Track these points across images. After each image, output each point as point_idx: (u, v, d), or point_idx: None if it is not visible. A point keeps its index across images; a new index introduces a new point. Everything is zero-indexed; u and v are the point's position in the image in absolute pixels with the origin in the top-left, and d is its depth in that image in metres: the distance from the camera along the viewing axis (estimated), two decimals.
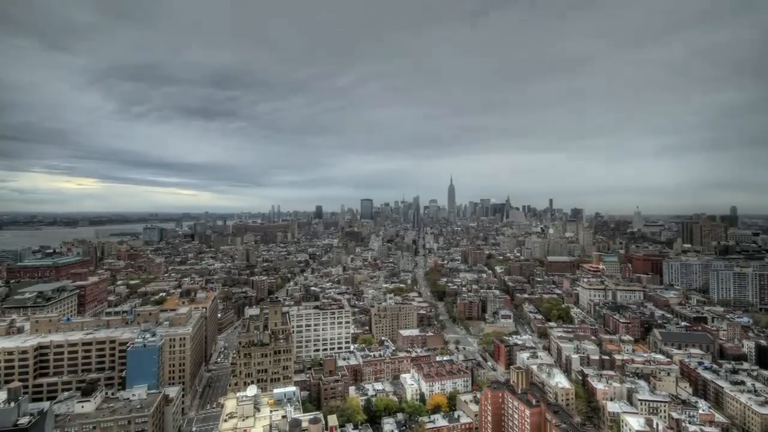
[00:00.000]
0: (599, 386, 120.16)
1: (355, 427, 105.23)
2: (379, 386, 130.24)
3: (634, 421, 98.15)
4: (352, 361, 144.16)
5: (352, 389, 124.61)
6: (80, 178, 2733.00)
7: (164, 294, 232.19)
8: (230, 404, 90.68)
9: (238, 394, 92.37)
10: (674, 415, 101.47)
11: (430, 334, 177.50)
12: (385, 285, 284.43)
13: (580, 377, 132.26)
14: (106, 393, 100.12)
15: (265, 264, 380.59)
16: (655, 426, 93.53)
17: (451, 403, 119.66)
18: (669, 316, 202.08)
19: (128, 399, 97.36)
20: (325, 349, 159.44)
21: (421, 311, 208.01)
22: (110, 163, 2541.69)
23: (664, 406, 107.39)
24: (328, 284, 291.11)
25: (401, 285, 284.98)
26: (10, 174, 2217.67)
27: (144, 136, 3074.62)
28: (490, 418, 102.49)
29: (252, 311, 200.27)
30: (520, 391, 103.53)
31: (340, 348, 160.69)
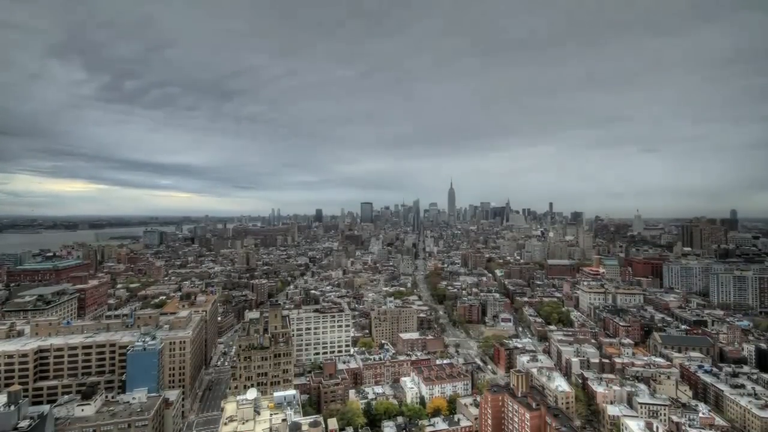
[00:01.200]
0: (599, 389, 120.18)
1: (355, 430, 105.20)
2: (379, 389, 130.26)
3: (635, 425, 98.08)
4: (352, 365, 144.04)
5: (352, 392, 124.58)
6: (70, 180, 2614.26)
7: (164, 297, 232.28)
8: (230, 407, 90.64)
9: (238, 398, 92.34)
10: (674, 418, 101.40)
11: (430, 337, 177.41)
12: (385, 288, 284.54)
13: (580, 380, 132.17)
14: (106, 396, 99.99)
15: (265, 267, 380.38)
16: (655, 429, 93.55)
17: (451, 406, 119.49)
18: (669, 319, 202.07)
19: (128, 402, 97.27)
20: (325, 353, 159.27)
21: (421, 314, 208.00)
22: (101, 164, 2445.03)
23: (664, 409, 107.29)
24: (328, 287, 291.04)
25: (401, 288, 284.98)
26: (2, 176, 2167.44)
27: (140, 123, 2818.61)
28: (490, 422, 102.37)
29: (252, 314, 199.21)
30: (520, 395, 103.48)
31: (340, 351, 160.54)
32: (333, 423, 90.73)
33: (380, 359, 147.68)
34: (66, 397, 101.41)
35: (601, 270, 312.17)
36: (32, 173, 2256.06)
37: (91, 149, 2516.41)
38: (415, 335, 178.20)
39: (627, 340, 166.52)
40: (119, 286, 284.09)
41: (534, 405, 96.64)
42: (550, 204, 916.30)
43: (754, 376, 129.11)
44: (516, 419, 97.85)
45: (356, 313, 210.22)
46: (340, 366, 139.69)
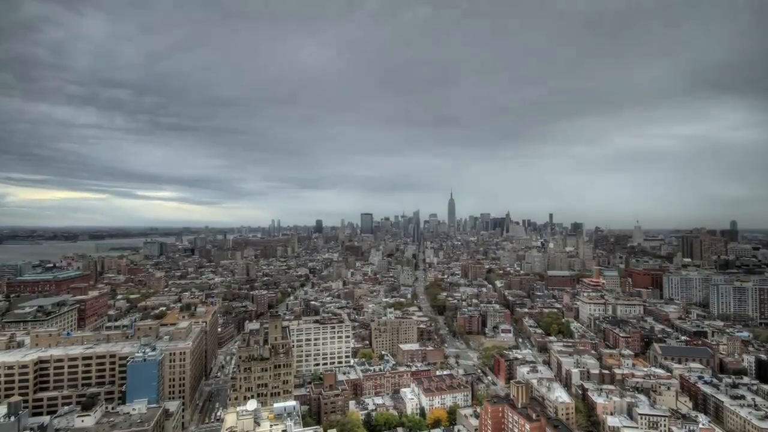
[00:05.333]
0: (599, 400, 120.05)
1: None
2: (379, 400, 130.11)
3: None
4: (352, 376, 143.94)
5: (352, 403, 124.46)
6: (66, 190, 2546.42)
7: (164, 308, 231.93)
8: (230, 418, 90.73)
9: (238, 409, 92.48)
10: (674, 429, 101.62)
11: (430, 348, 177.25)
12: (385, 299, 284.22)
13: (580, 391, 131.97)
14: (106, 407, 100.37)
15: (265, 278, 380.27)
16: None
17: (451, 417, 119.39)
18: (669, 330, 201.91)
19: (128, 413, 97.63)
20: (325, 364, 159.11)
21: (421, 325, 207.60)
22: (99, 174, 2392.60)
23: (664, 420, 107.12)
24: (328, 298, 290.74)
25: (401, 299, 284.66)
26: None
27: (139, 132, 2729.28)
28: None
29: (252, 325, 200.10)
30: (520, 406, 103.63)
31: (340, 362, 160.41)
32: None
33: (380, 370, 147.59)
34: (66, 408, 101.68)
35: (601, 281, 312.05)
36: (23, 184, 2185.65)
37: (88, 159, 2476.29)
38: (415, 346, 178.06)
39: (627, 351, 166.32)
40: (119, 297, 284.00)
41: (534, 416, 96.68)
42: (550, 215, 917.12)
43: (754, 387, 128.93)
44: (516, 430, 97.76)
45: (356, 324, 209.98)
46: (340, 377, 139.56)
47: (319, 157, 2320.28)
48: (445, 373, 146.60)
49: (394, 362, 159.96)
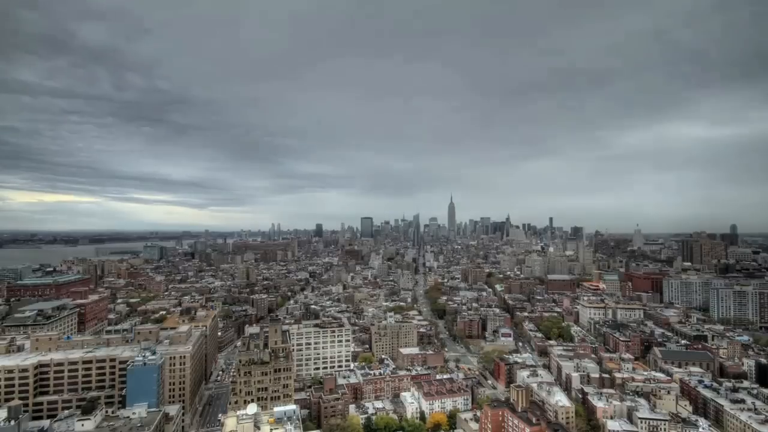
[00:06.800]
0: (599, 404, 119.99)
1: None
2: (379, 404, 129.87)
3: None
4: (352, 380, 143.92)
5: (352, 407, 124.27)
6: (64, 193, 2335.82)
7: (164, 312, 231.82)
8: (230, 422, 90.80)
9: (238, 413, 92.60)
10: None
11: (430, 352, 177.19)
12: (385, 303, 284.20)
13: (580, 395, 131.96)
14: (107, 411, 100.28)
15: (265, 282, 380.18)
16: None
17: (451, 421, 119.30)
18: (669, 334, 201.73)
19: (128, 417, 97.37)
20: (325, 368, 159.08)
21: (422, 329, 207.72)
22: (97, 177, 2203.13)
23: (665, 424, 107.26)
24: (328, 302, 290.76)
25: (401, 303, 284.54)
26: None
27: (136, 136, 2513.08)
28: None
29: (252, 329, 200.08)
30: (520, 410, 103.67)
31: (340, 366, 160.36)
32: None
33: (380, 374, 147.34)
34: (66, 412, 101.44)
35: (601, 285, 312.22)
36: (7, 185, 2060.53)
37: (72, 150, 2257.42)
38: (415, 350, 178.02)
39: (627, 355, 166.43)
40: (119, 301, 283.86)
41: (534, 420, 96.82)
42: (550, 219, 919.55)
43: (754, 391, 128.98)
44: None
45: (356, 328, 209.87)
46: (341, 381, 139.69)
47: (331, 151, 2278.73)
48: (445, 377, 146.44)
49: (394, 366, 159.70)
